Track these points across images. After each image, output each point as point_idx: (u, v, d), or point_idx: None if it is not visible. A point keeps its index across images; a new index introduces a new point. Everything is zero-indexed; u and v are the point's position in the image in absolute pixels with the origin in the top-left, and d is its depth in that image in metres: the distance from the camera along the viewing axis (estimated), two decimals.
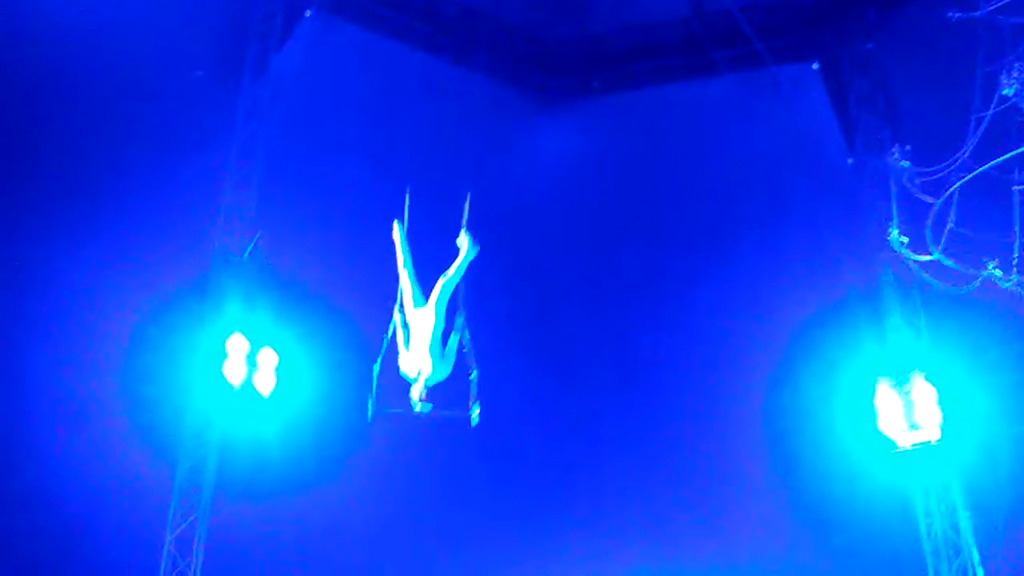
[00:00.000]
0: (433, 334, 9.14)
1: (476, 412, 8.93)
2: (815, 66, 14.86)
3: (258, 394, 12.14)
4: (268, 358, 12.39)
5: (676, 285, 15.37)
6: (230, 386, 11.87)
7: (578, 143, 15.69)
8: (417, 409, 8.79)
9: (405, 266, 9.50)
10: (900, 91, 13.96)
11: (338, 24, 13.87)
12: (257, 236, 12.92)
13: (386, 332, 9.19)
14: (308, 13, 13.89)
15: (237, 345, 12.12)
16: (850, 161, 14.17)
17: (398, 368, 9.01)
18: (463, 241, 9.45)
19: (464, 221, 9.73)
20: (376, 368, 9.21)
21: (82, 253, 12.34)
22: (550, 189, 15.29)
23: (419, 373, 8.93)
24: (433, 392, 8.90)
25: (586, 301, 15.91)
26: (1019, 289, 9.51)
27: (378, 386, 9.15)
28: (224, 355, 11.96)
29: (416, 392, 8.86)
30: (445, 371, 9.07)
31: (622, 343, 15.90)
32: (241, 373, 12.01)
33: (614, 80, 15.99)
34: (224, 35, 13.88)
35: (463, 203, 9.92)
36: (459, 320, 9.32)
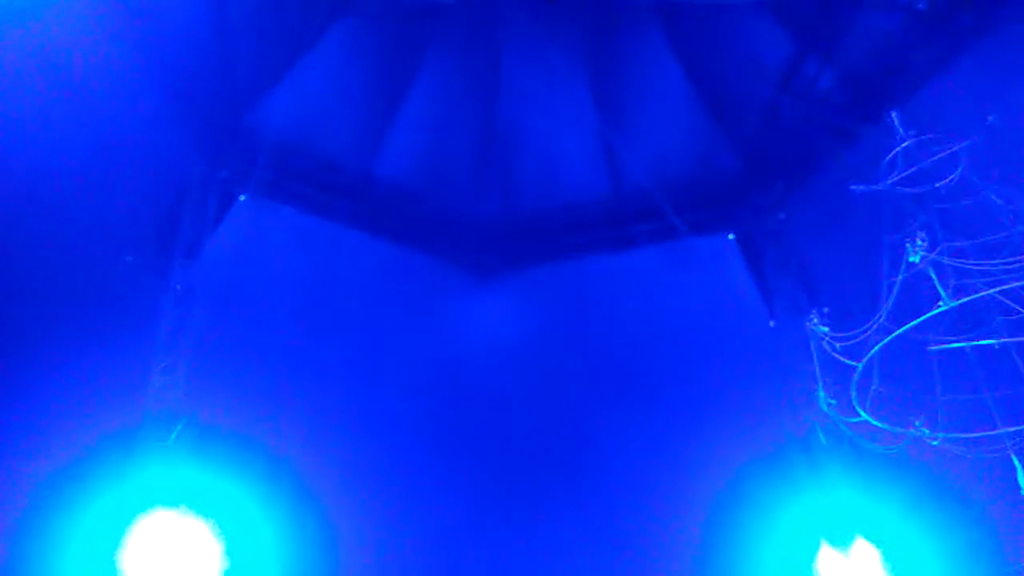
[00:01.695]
0: None
1: None
2: (731, 236, 15.63)
3: None
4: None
5: (612, 441, 15.39)
6: None
7: (513, 311, 16.05)
8: None
9: None
10: (813, 257, 14.71)
11: (273, 207, 14.11)
12: (183, 421, 12.55)
13: None
14: (242, 197, 14.15)
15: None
16: (772, 324, 14.67)
17: None
18: None
19: None
20: None
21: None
22: (487, 354, 15.40)
23: None
24: None
25: (525, 456, 15.76)
26: (947, 446, 9.81)
27: None
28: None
29: None
30: None
31: (559, 498, 15.65)
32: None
33: (544, 253, 16.61)
34: (157, 219, 13.93)
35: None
36: None
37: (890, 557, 11.98)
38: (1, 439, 11.44)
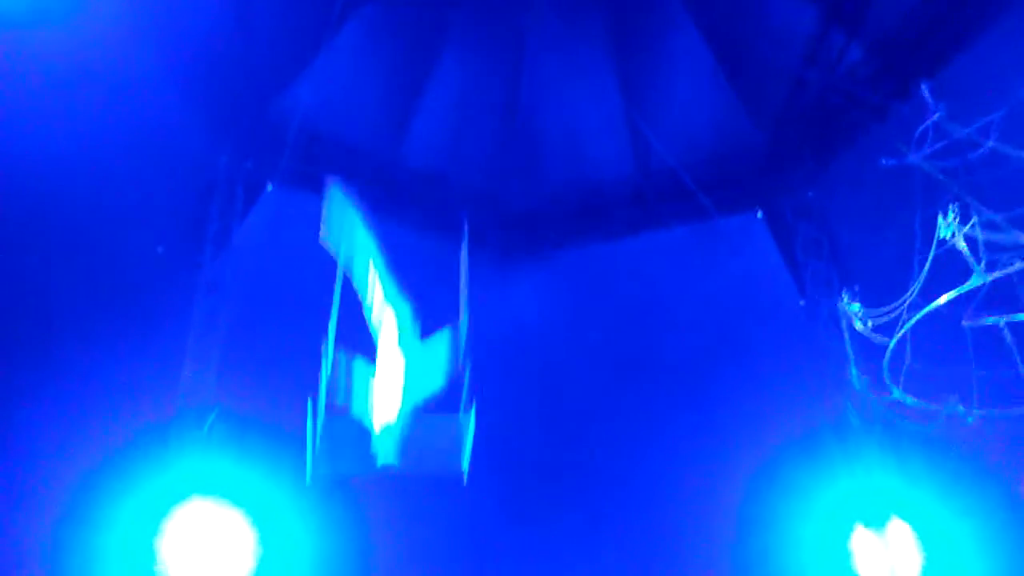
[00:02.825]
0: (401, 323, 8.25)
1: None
2: (759, 215, 15.48)
3: None
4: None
5: (641, 426, 15.39)
6: None
7: (542, 296, 16.02)
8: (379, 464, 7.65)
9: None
10: (843, 234, 14.54)
11: (300, 196, 14.19)
12: (215, 411, 12.70)
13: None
14: (269, 187, 14.25)
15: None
16: (802, 303, 14.53)
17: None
18: None
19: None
20: (310, 423, 8.00)
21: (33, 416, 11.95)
22: (517, 341, 15.42)
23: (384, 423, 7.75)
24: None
25: (557, 446, 15.80)
26: (982, 423, 9.68)
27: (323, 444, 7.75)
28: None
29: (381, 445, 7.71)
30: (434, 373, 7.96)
31: (589, 485, 15.70)
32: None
33: (569, 235, 16.58)
34: (186, 210, 14.08)
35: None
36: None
37: (925, 537, 11.86)
38: (40, 434, 11.65)
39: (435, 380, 8.08)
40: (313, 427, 7.88)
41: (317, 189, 14.70)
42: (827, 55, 13.76)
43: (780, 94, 14.72)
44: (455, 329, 8.39)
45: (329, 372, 8.02)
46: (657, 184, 15.56)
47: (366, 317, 8.43)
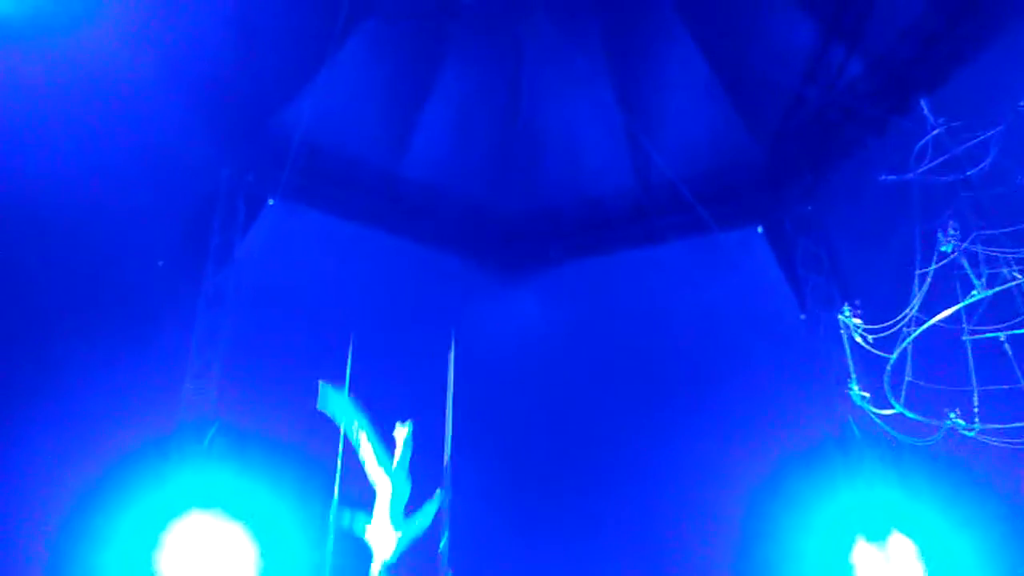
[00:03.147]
0: (394, 502, 9.62)
1: None
2: (759, 229, 15.51)
3: None
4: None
5: (642, 439, 15.37)
6: None
7: (542, 308, 16.11)
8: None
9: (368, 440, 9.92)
10: (843, 249, 14.56)
11: (301, 209, 14.24)
12: (216, 424, 12.70)
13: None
14: (271, 201, 14.29)
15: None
16: (802, 317, 14.53)
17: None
18: (399, 433, 10.23)
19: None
20: (329, 542, 9.61)
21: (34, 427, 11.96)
22: (517, 353, 15.48)
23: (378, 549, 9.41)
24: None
25: (555, 458, 15.82)
26: (983, 438, 9.67)
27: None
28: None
29: (376, 569, 9.30)
30: (408, 537, 9.53)
31: (592, 497, 15.69)
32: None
33: (569, 249, 16.60)
34: (188, 223, 14.12)
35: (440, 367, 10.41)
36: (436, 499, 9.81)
37: (927, 550, 11.84)
38: (41, 446, 11.64)
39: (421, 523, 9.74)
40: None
41: (318, 203, 14.89)
42: (826, 70, 13.84)
43: (779, 108, 14.80)
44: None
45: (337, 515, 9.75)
46: (657, 198, 15.61)
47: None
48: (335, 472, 10.46)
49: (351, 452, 10.21)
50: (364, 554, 9.73)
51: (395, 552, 9.57)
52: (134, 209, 13.17)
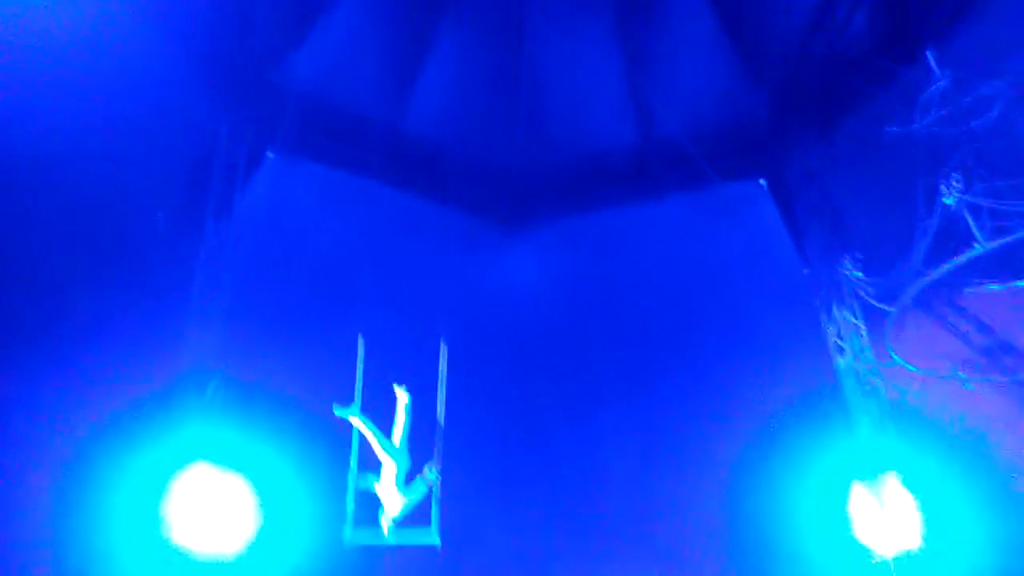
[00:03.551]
0: (398, 473, 10.45)
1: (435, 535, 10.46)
2: (762, 182, 15.42)
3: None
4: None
5: (642, 392, 15.50)
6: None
7: (544, 263, 16.11)
8: (386, 536, 10.30)
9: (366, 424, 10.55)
10: (847, 202, 14.46)
11: (301, 163, 14.15)
12: (217, 378, 12.76)
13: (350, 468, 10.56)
14: (270, 155, 14.19)
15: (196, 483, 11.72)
16: (805, 271, 14.51)
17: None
18: (400, 393, 10.83)
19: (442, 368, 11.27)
20: (349, 500, 10.41)
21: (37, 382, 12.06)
22: (520, 307, 15.55)
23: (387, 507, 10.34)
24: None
25: (554, 411, 15.99)
26: (982, 390, 9.74)
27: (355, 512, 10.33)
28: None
29: (385, 522, 10.30)
30: (411, 501, 10.48)
31: (591, 450, 15.88)
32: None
33: (571, 204, 16.54)
34: (185, 179, 14.03)
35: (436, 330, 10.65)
36: (430, 474, 10.65)
37: (924, 502, 11.89)
38: (43, 400, 11.71)
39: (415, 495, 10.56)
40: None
41: (318, 156, 14.79)
42: (832, 21, 13.65)
43: (784, 61, 14.61)
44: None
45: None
46: (659, 152, 15.50)
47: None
48: (333, 423, 10.67)
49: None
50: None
51: (401, 512, 10.42)
52: (133, 164, 13.10)
